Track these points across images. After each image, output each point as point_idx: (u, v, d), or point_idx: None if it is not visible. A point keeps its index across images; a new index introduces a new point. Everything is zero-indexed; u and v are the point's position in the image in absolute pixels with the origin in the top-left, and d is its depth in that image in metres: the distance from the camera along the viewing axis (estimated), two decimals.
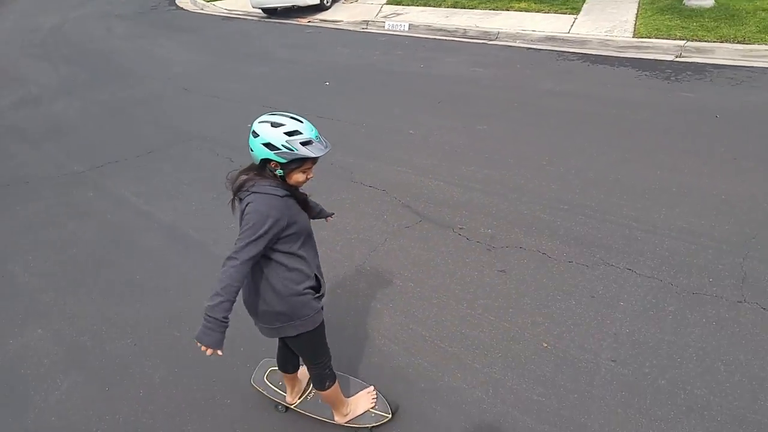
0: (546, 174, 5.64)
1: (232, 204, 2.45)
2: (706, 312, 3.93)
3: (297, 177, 2.40)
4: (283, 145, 2.31)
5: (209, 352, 2.27)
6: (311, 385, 3.23)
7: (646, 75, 7.79)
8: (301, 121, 2.36)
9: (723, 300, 4.01)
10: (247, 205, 2.33)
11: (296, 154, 2.32)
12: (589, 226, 4.86)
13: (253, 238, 2.26)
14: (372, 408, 3.17)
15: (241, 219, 2.34)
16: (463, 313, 4.10)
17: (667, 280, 4.23)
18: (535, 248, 4.67)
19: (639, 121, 6.52)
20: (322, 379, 2.87)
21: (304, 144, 2.32)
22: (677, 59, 8.23)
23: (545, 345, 3.78)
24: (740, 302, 3.98)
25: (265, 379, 3.37)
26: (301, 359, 2.92)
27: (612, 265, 4.43)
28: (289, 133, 2.31)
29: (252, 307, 2.57)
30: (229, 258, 2.27)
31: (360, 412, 3.14)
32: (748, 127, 6.13)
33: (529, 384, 3.55)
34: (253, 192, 2.34)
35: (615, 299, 4.11)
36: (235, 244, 2.28)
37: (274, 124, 2.33)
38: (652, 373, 3.53)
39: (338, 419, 3.12)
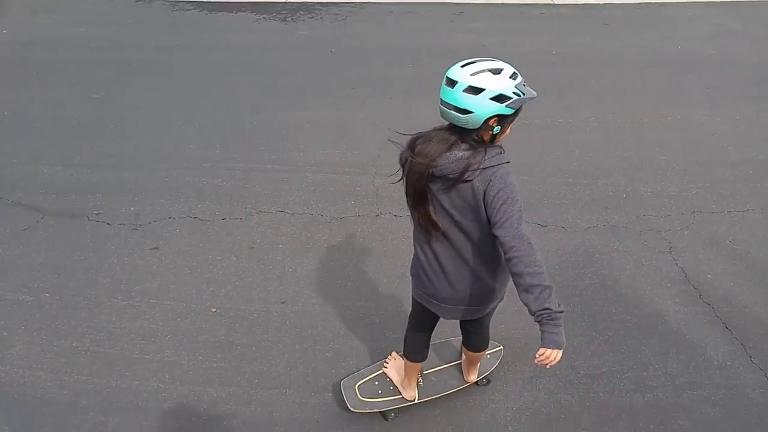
0: (184, 135, 5.46)
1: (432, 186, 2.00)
2: (353, 231, 4.39)
3: (508, 131, 2.03)
4: (513, 92, 1.92)
5: (560, 355, 1.89)
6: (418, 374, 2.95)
7: (264, 18, 8.07)
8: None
9: (364, 218, 4.53)
10: (490, 184, 1.90)
11: (524, 99, 1.94)
12: (236, 179, 4.91)
13: (521, 213, 1.86)
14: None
15: (493, 204, 1.88)
16: (119, 306, 3.77)
17: (317, 213, 4.57)
18: (185, 214, 4.53)
19: (265, 65, 6.76)
20: (487, 334, 2.71)
21: (525, 85, 1.96)
22: (290, 0, 8.73)
23: (214, 310, 3.75)
24: (378, 216, 4.55)
25: (362, 398, 2.92)
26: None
27: (264, 211, 4.59)
28: (513, 76, 1.93)
29: (465, 296, 2.18)
30: (521, 245, 1.81)
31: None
32: (365, 60, 6.90)
33: (206, 354, 3.49)
34: (487, 168, 1.91)
35: (273, 243, 4.28)
36: (505, 226, 1.84)
37: (494, 71, 1.90)
38: (318, 302, 3.82)
39: (472, 377, 2.99)
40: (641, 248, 4.03)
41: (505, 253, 1.88)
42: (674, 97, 5.90)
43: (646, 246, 4.06)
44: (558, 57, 6.90)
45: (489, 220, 1.93)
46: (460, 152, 1.95)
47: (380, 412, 2.94)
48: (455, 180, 1.95)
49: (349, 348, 3.50)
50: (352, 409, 2.90)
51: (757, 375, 3.30)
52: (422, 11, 8.21)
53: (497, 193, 1.89)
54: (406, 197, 2.13)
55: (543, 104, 5.87)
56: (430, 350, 2.87)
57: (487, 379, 3.13)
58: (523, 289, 1.86)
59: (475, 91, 1.88)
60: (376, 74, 6.54)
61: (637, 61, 6.74)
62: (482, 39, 7.33)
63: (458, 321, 2.59)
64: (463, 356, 2.98)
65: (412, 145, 2.04)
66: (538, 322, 1.87)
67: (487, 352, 3.02)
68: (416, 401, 2.97)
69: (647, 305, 3.64)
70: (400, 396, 2.92)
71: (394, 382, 2.94)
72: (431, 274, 2.23)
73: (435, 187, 2.03)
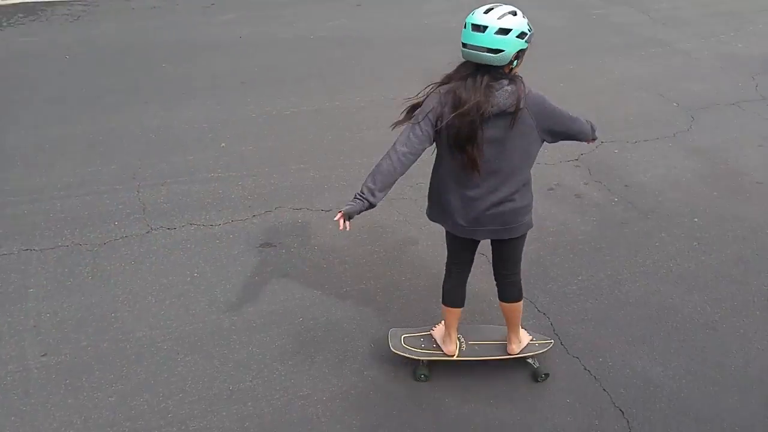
0: None
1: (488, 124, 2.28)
2: (122, 254, 3.92)
3: (521, 63, 2.35)
4: (528, 28, 2.26)
5: None
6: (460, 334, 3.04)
7: None
8: None
9: (133, 238, 4.08)
10: (537, 104, 2.33)
11: (533, 32, 2.30)
12: None
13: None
14: (531, 340, 3.07)
15: (545, 119, 2.35)
16: None
17: (74, 243, 4.01)
18: None
19: None
20: (520, 285, 2.85)
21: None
22: (2, 3, 7.57)
23: None
24: (148, 233, 4.13)
25: (404, 345, 3.03)
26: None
27: (4, 254, 3.89)
28: (523, 15, 2.27)
29: (513, 212, 2.52)
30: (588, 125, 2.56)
31: (526, 342, 3.03)
32: (110, 63, 6.21)
33: None
34: (530, 93, 2.32)
35: (21, 289, 3.65)
36: (581, 125, 2.50)
37: (512, 13, 2.24)
38: (90, 343, 3.33)
39: (515, 347, 2.98)
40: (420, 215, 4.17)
41: (581, 131, 2.51)
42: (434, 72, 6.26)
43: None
44: (317, 41, 6.94)
45: (552, 134, 2.41)
46: (506, 86, 2.26)
47: (413, 369, 3.04)
48: (515, 111, 2.26)
49: (137, 384, 3.11)
50: (392, 350, 3.00)
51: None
52: (168, 6, 7.69)
53: (552, 110, 2.37)
54: (451, 146, 2.35)
55: (309, 90, 5.86)
56: (477, 328, 3.12)
57: (546, 374, 3.04)
58: (591, 135, 2.61)
59: (505, 32, 2.19)
60: (124, 78, 5.95)
61: (392, 39, 7.06)
62: (238, 30, 7.08)
63: (495, 276, 2.82)
64: (506, 326, 2.98)
65: (450, 99, 2.29)
66: (592, 132, 2.64)
67: (535, 340, 3.06)
68: (455, 358, 2.99)
69: (436, 267, 3.78)
70: (441, 351, 2.98)
71: (437, 341, 3.01)
72: (484, 201, 2.45)
73: (488, 125, 2.28)
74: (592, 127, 2.60)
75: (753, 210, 4.53)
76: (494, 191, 2.44)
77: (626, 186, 4.79)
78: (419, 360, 3.02)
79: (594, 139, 2.64)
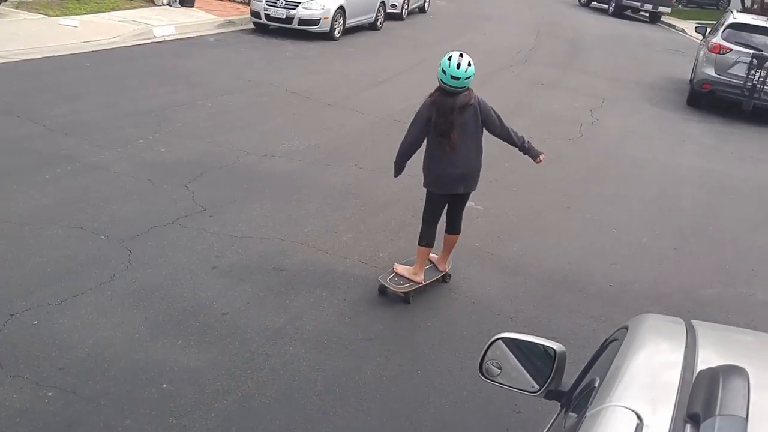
0: None
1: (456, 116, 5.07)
2: None
3: None
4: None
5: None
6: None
7: None
8: None
9: None
10: (481, 104, 5.18)
11: None
12: None
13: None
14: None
15: (488, 115, 5.19)
16: None
17: None
18: None
19: None
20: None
21: None
22: None
23: None
24: None
25: (390, 283, 5.46)
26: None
27: None
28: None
29: (476, 170, 5.35)
30: (511, 127, 5.29)
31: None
32: None
33: None
34: (475, 97, 5.16)
35: None
36: (504, 123, 5.26)
37: (469, 62, 5.01)
38: None
39: (447, 266, 5.83)
40: None
41: (505, 133, 5.22)
42: None
43: None
44: None
45: (486, 123, 5.18)
46: (465, 93, 5.04)
47: (403, 293, 5.41)
48: (466, 106, 5.03)
49: None
50: (385, 283, 5.42)
51: None
52: None
53: (491, 111, 5.17)
54: (436, 132, 5.09)
55: None
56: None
57: (450, 275, 5.87)
58: (517, 142, 5.24)
59: (470, 64, 4.99)
60: None
61: None
62: None
63: (447, 217, 5.60)
64: (441, 253, 5.75)
65: (435, 114, 5.06)
66: (526, 146, 5.29)
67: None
68: (423, 283, 5.51)
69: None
70: (412, 282, 5.42)
71: (405, 274, 5.46)
72: (462, 162, 5.18)
73: (455, 115, 5.01)
74: (522, 140, 5.30)
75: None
76: (465, 160, 5.20)
77: (61, 369, 4.08)
78: (408, 292, 5.42)
79: (525, 147, 5.35)
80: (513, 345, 2.59)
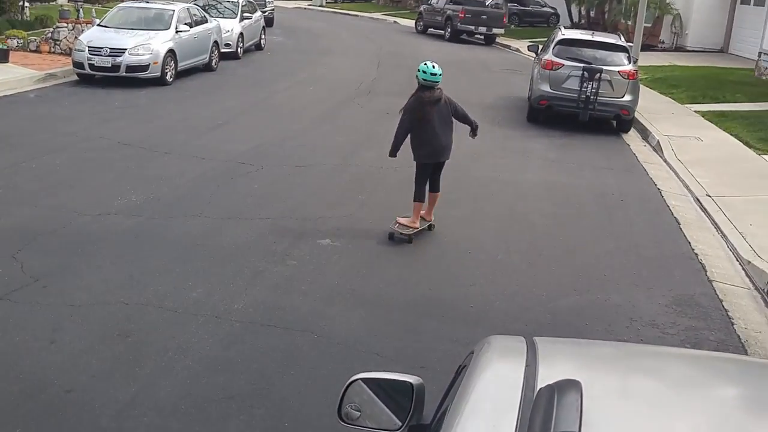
0: None
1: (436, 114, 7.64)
2: None
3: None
4: None
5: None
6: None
7: None
8: None
9: None
10: (450, 100, 7.80)
11: None
12: None
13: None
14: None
15: (453, 106, 7.82)
16: None
17: None
18: None
19: None
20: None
21: None
22: None
23: None
24: None
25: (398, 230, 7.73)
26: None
27: None
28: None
29: (450, 144, 7.85)
30: (469, 115, 8.07)
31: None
32: None
33: None
34: (444, 95, 7.72)
35: None
36: (465, 114, 8.00)
37: (437, 64, 7.79)
38: None
39: (432, 216, 8.11)
40: None
41: (463, 116, 8.01)
42: None
43: None
44: None
45: (453, 112, 7.87)
46: (436, 91, 7.66)
47: (407, 236, 7.65)
48: (439, 100, 7.63)
49: None
50: (393, 230, 7.73)
51: None
52: None
53: (455, 103, 7.92)
54: (422, 120, 7.57)
55: None
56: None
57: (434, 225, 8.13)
58: (471, 122, 8.08)
59: (439, 75, 7.75)
60: None
61: None
62: None
63: (430, 180, 7.98)
64: (428, 207, 8.01)
65: (419, 105, 7.59)
66: (474, 125, 8.14)
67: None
68: (419, 228, 7.74)
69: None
70: (411, 226, 7.69)
71: (406, 223, 7.71)
72: (442, 139, 7.70)
73: (433, 106, 7.58)
74: (473, 121, 8.07)
75: None
76: (444, 137, 7.73)
77: None
78: (410, 235, 7.69)
79: (475, 127, 8.14)
80: (371, 384, 2.60)
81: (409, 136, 7.76)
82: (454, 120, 7.95)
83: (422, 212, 7.94)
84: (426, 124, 7.60)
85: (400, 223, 7.76)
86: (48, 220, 7.50)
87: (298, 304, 6.13)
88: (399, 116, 7.77)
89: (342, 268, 6.89)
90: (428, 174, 7.91)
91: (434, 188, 8.10)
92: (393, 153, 7.84)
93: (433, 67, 7.65)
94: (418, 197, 7.84)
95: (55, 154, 9.92)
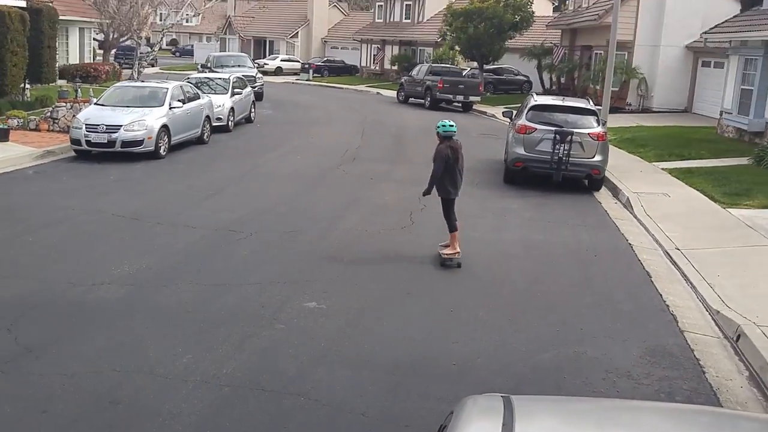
0: None
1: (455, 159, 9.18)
2: None
3: None
4: None
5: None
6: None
7: None
8: None
9: None
10: (460, 149, 9.36)
11: None
12: None
13: None
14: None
15: (462, 153, 9.34)
16: None
17: None
18: None
19: None
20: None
21: None
22: None
23: None
24: None
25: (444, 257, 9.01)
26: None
27: None
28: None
29: (462, 183, 9.45)
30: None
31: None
32: None
33: None
34: (460, 144, 9.47)
35: None
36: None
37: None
38: None
39: (457, 248, 9.14)
40: None
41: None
42: None
43: None
44: None
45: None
46: (454, 140, 9.28)
47: (451, 260, 9.04)
48: (461, 147, 9.34)
49: None
50: (442, 259, 9.08)
51: None
52: None
53: (461, 153, 9.50)
54: (452, 164, 9.11)
55: None
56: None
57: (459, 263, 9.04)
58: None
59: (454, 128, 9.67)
60: None
61: None
62: None
63: (446, 216, 9.35)
64: (450, 241, 9.18)
65: (450, 152, 9.11)
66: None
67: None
68: (459, 253, 9.08)
69: None
70: (454, 252, 9.05)
71: (448, 252, 9.07)
72: (458, 180, 9.26)
73: (457, 152, 9.22)
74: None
75: None
76: (462, 176, 9.38)
77: None
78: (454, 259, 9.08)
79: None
80: None
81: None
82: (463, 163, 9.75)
83: (452, 249, 9.16)
84: (455, 164, 9.13)
85: (446, 255, 9.06)
86: (44, 292, 7.43)
87: (285, 367, 6.06)
88: (431, 165, 9.23)
89: (328, 330, 6.83)
90: (453, 206, 9.25)
91: (453, 223, 9.26)
92: (428, 192, 9.28)
93: (450, 122, 9.27)
94: (452, 228, 9.16)
95: (52, 228, 9.90)
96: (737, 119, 19.63)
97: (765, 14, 18.80)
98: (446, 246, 9.21)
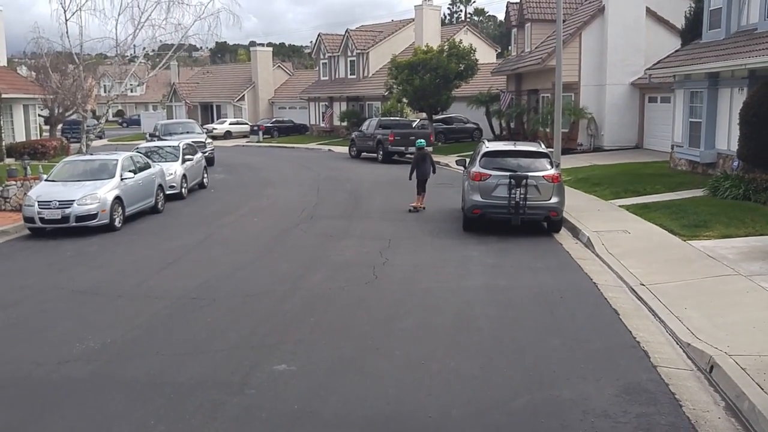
0: None
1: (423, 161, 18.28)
2: None
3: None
4: None
5: None
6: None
7: None
8: None
9: None
10: (430, 155, 19.03)
11: None
12: None
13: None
14: None
15: (432, 160, 18.54)
16: None
17: None
18: None
19: None
20: None
21: None
22: None
23: None
24: None
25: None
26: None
27: None
28: None
29: (428, 172, 18.39)
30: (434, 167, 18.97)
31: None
32: None
33: None
34: (428, 151, 19.39)
35: None
36: (434, 166, 18.88)
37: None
38: None
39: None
40: None
41: (433, 168, 18.66)
42: None
43: None
44: None
45: (431, 163, 18.61)
46: (425, 150, 18.78)
47: (416, 209, 17.67)
48: (427, 154, 18.45)
49: None
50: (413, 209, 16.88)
51: None
52: None
53: (432, 159, 18.80)
54: (421, 163, 18.07)
55: None
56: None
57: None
58: (434, 170, 19.19)
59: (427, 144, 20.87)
60: None
61: None
62: None
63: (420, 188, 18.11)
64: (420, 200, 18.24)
65: (419, 156, 18.28)
66: (434, 171, 19.49)
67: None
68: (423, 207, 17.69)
69: None
70: (418, 206, 18.10)
71: (416, 205, 18.11)
72: (426, 171, 18.14)
73: (424, 157, 18.23)
74: (434, 169, 19.06)
75: None
76: (426, 170, 18.23)
77: None
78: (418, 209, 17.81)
79: (434, 171, 18.97)
80: None
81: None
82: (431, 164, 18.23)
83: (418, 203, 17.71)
84: (422, 164, 17.78)
85: (411, 207, 17.39)
86: (8, 374, 7.32)
87: None
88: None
89: (300, 391, 6.84)
90: (424, 184, 17.74)
91: (422, 191, 17.79)
92: (410, 177, 18.02)
93: (422, 141, 18.55)
94: (420, 192, 17.75)
95: (11, 309, 9.76)
96: (689, 152, 20.35)
97: (706, 47, 19.69)
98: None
